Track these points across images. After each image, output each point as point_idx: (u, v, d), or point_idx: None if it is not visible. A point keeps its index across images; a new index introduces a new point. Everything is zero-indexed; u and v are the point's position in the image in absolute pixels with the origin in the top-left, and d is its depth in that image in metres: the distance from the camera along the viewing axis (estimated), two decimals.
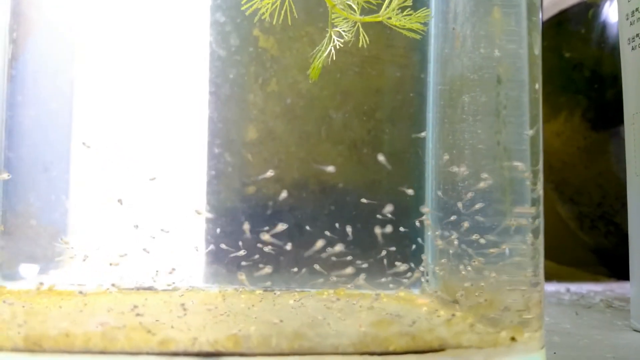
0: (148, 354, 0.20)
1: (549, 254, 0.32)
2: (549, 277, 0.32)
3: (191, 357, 0.20)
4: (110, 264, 0.36)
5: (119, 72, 0.39)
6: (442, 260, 0.36)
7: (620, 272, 0.72)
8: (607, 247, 0.72)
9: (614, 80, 0.67)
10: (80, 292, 0.35)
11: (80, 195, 0.39)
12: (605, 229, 0.71)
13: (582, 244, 0.77)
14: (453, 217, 0.35)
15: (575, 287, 0.59)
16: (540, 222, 0.28)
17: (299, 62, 0.38)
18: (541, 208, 0.28)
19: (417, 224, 0.36)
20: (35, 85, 0.39)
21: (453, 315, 0.28)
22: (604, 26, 0.67)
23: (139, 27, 0.39)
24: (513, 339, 0.23)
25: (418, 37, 0.33)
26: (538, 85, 0.27)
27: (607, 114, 0.68)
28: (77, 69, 0.39)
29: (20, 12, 0.39)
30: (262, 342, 0.22)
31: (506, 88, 0.28)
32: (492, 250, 0.28)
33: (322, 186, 0.38)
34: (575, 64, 0.71)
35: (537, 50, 0.26)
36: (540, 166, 0.27)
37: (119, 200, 0.34)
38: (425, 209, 0.36)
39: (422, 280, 0.38)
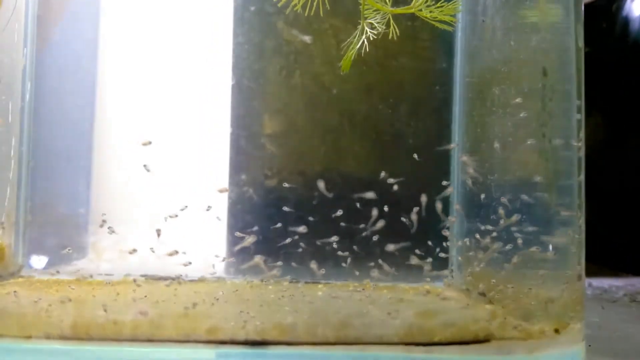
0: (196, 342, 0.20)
1: None
2: None
3: (238, 345, 0.20)
4: (130, 252, 0.36)
5: (141, 65, 0.39)
6: (469, 254, 0.36)
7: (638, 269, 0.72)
8: (626, 244, 0.72)
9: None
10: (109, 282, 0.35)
11: (104, 185, 0.39)
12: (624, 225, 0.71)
13: (601, 241, 0.77)
14: (478, 211, 0.35)
15: (597, 282, 0.59)
16: (582, 215, 0.28)
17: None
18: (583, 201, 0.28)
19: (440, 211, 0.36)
20: (60, 76, 0.39)
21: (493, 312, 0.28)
22: (626, 21, 0.67)
23: (162, 20, 0.39)
24: (557, 331, 0.23)
25: (450, 29, 0.33)
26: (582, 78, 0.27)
27: (629, 109, 0.68)
28: (101, 61, 0.39)
29: (48, 3, 0.39)
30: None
31: (552, 80, 0.27)
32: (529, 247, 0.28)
33: (347, 177, 0.38)
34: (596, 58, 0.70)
35: (581, 43, 0.26)
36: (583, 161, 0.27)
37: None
38: (449, 189, 0.36)
39: (448, 274, 0.38)
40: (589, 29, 0.73)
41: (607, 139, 0.70)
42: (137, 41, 0.39)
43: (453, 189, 0.37)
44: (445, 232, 0.36)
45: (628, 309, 0.44)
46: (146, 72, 0.39)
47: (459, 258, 0.37)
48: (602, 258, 0.76)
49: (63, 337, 0.21)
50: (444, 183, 0.36)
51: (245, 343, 0.21)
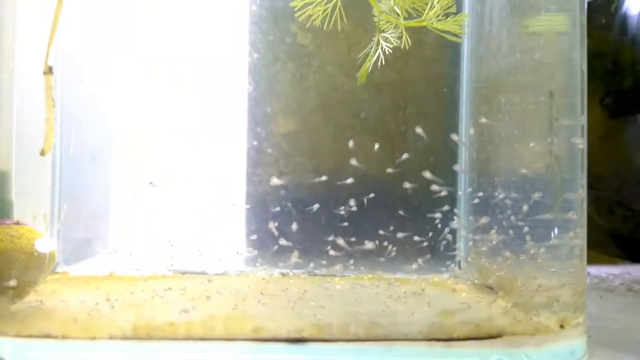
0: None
1: None
2: None
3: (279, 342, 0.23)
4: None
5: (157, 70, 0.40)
6: (477, 249, 0.38)
7: (636, 256, 0.74)
8: (624, 231, 0.75)
9: (633, 69, 0.69)
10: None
11: (126, 183, 0.41)
12: (623, 214, 0.73)
13: (599, 228, 0.79)
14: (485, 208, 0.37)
15: (595, 270, 0.61)
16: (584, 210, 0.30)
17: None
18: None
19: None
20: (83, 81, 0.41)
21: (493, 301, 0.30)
22: (624, 18, 0.69)
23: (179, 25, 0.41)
24: (562, 326, 0.25)
25: (459, 40, 0.35)
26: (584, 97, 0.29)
27: (626, 102, 0.70)
28: (118, 63, 0.41)
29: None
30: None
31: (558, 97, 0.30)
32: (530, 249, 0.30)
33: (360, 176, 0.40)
34: (595, 53, 0.72)
35: (584, 67, 0.28)
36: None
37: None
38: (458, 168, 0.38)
39: (455, 267, 0.40)
40: (589, 24, 0.75)
41: (606, 132, 0.72)
42: (157, 41, 0.41)
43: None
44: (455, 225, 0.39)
45: (625, 299, 0.46)
46: (163, 77, 0.41)
47: (467, 252, 0.39)
48: (600, 245, 0.79)
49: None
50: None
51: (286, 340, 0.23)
